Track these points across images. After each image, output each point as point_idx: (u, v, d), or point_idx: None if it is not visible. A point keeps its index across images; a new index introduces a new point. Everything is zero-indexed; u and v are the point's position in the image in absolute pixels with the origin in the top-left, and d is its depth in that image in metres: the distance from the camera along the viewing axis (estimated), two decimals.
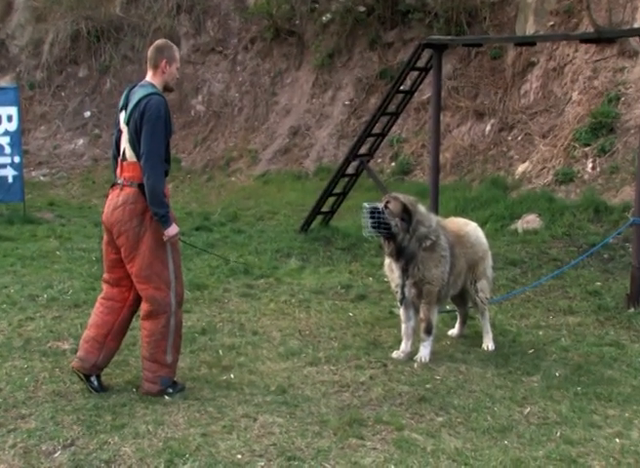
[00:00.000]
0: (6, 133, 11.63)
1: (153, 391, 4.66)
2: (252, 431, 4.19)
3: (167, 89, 4.68)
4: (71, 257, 8.79)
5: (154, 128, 4.38)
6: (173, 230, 4.53)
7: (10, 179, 11.65)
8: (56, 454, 3.87)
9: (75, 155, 16.60)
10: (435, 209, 8.39)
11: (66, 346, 5.58)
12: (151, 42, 17.04)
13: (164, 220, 4.48)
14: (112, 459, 3.83)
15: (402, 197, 5.44)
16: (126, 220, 4.50)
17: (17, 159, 11.70)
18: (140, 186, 4.49)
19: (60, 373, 5.02)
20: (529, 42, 9.76)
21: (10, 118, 11.64)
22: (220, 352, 5.53)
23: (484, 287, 5.82)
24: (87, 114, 17.31)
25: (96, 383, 4.73)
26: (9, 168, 11.64)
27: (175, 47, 4.82)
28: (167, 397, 4.62)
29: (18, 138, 11.79)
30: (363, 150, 10.16)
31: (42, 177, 15.69)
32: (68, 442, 4.00)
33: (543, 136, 11.54)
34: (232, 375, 5.05)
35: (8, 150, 11.62)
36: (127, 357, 5.39)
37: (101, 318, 4.74)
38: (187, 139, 16.22)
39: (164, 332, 4.62)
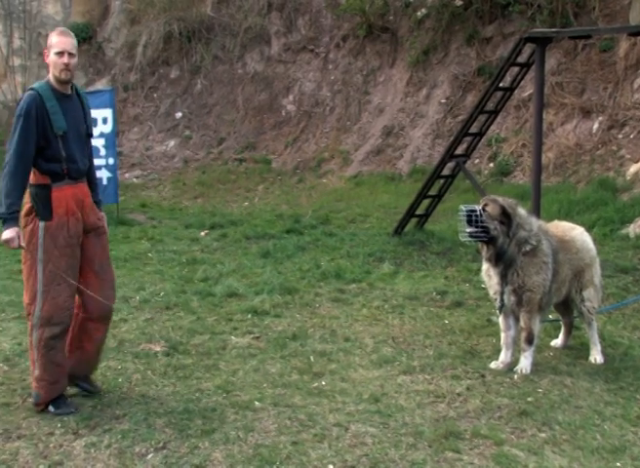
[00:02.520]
0: (101, 135, 12.15)
1: (34, 405, 4.57)
2: (344, 440, 4.20)
3: (59, 81, 4.49)
4: (162, 259, 9.08)
5: (15, 124, 4.36)
6: (4, 235, 4.31)
7: (104, 181, 12.15)
8: (148, 456, 4.00)
9: (167, 156, 17.14)
10: (537, 212, 8.17)
11: (158, 348, 5.76)
12: (242, 41, 17.37)
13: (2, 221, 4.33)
14: (203, 464, 3.92)
15: (501, 199, 5.34)
16: None
17: (111, 161, 12.20)
18: None
19: (152, 376, 5.18)
20: None
21: (105, 120, 12.16)
22: (312, 358, 5.57)
23: (591, 295, 5.62)
24: (178, 115, 17.84)
25: (86, 386, 4.81)
26: (104, 170, 12.15)
27: (53, 32, 4.55)
28: (51, 410, 4.53)
29: (112, 140, 12.29)
30: (459, 150, 10.01)
31: (135, 179, 16.28)
32: (160, 445, 4.13)
33: None
34: (324, 382, 5.08)
35: (103, 152, 12.13)
36: (217, 361, 5.51)
37: None
38: (278, 140, 16.45)
39: (30, 343, 4.54)
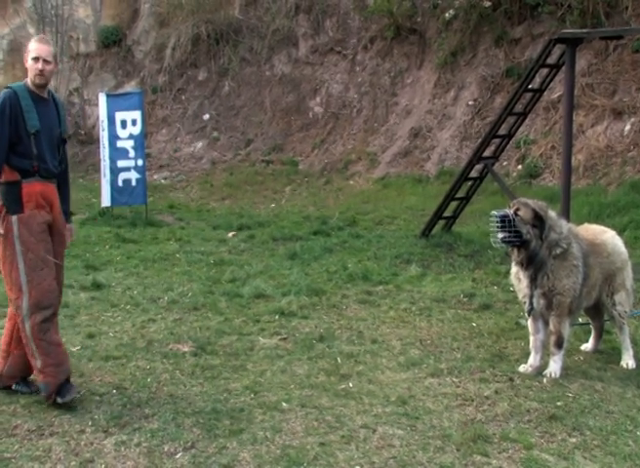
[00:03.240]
0: (130, 136, 12.30)
1: (45, 398, 4.67)
2: (371, 442, 4.20)
3: (34, 84, 4.67)
4: (190, 260, 9.15)
5: None
6: None
7: (133, 182, 12.31)
8: (177, 456, 4.03)
9: (194, 158, 17.26)
10: (567, 215, 8.10)
11: (186, 349, 5.80)
12: (270, 44, 17.44)
13: None
14: (231, 464, 3.95)
15: (532, 202, 5.31)
16: None
17: (140, 162, 12.34)
18: None
19: (180, 376, 5.23)
20: None
21: (134, 122, 12.30)
22: (339, 360, 5.57)
23: (622, 299, 5.56)
24: (206, 117, 17.97)
25: (22, 388, 4.83)
26: (133, 171, 12.30)
27: (33, 39, 4.81)
28: (59, 401, 4.58)
29: (141, 142, 12.44)
30: (487, 152, 9.96)
31: (163, 180, 16.42)
32: (189, 444, 4.16)
33: None
34: (351, 384, 5.08)
35: (132, 154, 12.28)
36: (245, 362, 5.54)
37: (5, 326, 4.89)
38: (305, 142, 16.49)
39: (25, 337, 4.62)
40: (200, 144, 17.54)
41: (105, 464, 3.94)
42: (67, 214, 4.95)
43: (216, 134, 17.57)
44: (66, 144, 4.98)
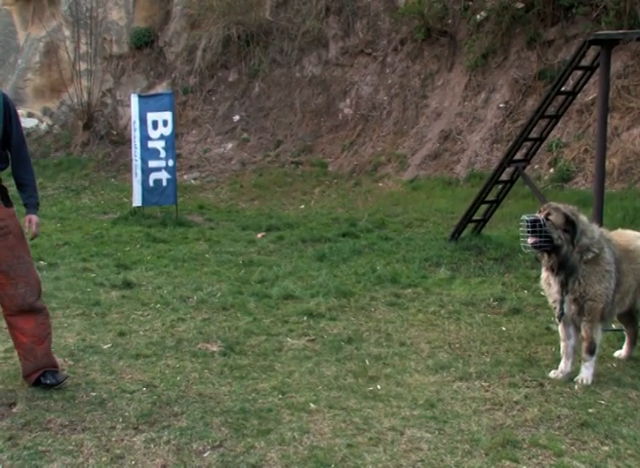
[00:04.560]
0: (161, 137, 12.42)
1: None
2: (399, 445, 4.19)
3: None
4: (219, 260, 9.21)
5: None
6: None
7: (164, 183, 12.41)
8: (205, 454, 4.06)
9: (224, 159, 17.36)
10: (599, 219, 7.99)
11: (215, 348, 5.85)
12: (300, 45, 17.51)
13: None
14: (259, 464, 3.97)
15: (562, 207, 5.25)
16: None
17: (170, 163, 12.45)
18: None
19: (208, 375, 5.26)
20: None
21: (165, 123, 12.42)
22: (367, 362, 5.57)
23: None
24: (236, 118, 18.06)
25: (49, 381, 4.92)
26: (163, 171, 12.41)
27: None
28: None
29: (172, 143, 12.54)
30: (519, 155, 9.88)
31: (193, 181, 16.55)
32: (217, 443, 4.19)
33: None
34: (379, 386, 5.08)
35: (163, 154, 12.39)
36: (273, 362, 5.56)
37: (19, 327, 5.02)
38: (334, 143, 16.50)
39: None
40: (230, 145, 17.64)
41: (135, 460, 3.98)
42: (30, 206, 5.03)
43: (245, 135, 17.66)
44: (13, 141, 4.92)
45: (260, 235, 11.09)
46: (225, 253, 9.69)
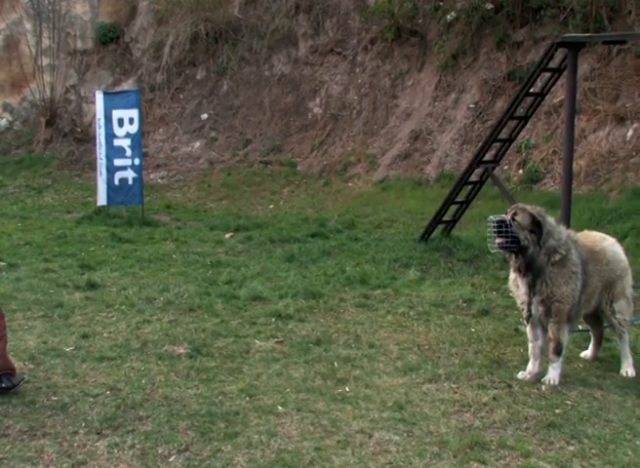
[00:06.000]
0: (127, 135, 12.30)
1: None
2: (367, 448, 4.21)
3: None
4: (187, 261, 9.16)
5: None
6: None
7: (130, 181, 12.30)
8: (171, 459, 4.04)
9: (192, 158, 17.25)
10: (567, 221, 8.11)
11: (181, 350, 5.82)
12: (269, 43, 17.49)
13: None
14: None
15: (529, 208, 5.33)
16: None
17: (137, 161, 12.35)
18: None
19: (175, 378, 5.24)
20: None
21: (131, 120, 12.31)
22: (335, 364, 5.59)
23: (622, 308, 5.57)
24: (204, 117, 17.96)
25: (4, 384, 4.85)
26: (129, 170, 12.30)
27: None
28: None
29: (138, 141, 12.44)
30: (488, 156, 9.98)
31: (160, 180, 16.42)
32: (183, 447, 4.17)
33: None
34: (347, 389, 5.10)
35: (129, 152, 12.28)
36: (240, 364, 5.56)
37: None
38: (304, 143, 16.49)
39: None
40: (198, 144, 17.53)
41: (98, 466, 3.95)
42: None
43: (214, 133, 17.57)
44: None
45: (228, 235, 11.05)
46: (193, 253, 9.64)
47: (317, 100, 17.03)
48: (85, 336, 6.13)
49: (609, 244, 5.70)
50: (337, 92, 16.81)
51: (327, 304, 7.30)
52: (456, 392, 5.06)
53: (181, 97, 18.42)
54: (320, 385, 5.16)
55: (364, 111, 16.17)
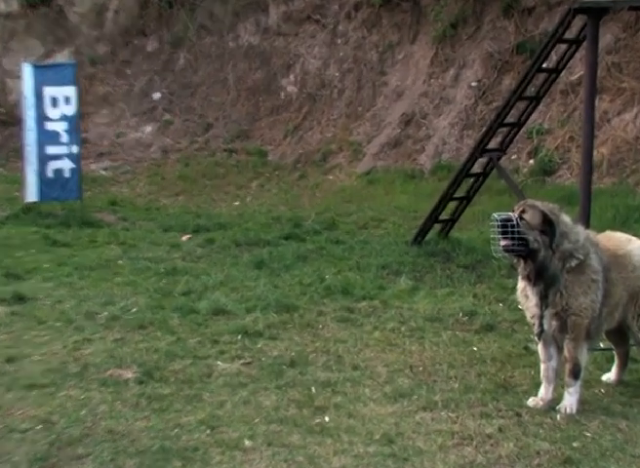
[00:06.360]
0: (63, 117, 12.23)
1: None
2: None
3: None
4: (136, 268, 9.13)
5: None
6: None
7: (66, 173, 12.24)
8: None
9: (142, 145, 17.22)
10: (586, 220, 8.20)
11: (129, 375, 5.80)
12: (234, 9, 17.45)
13: None
14: None
15: (540, 204, 5.34)
16: None
17: (74, 149, 12.28)
18: None
19: (121, 408, 5.22)
20: None
21: (67, 100, 12.24)
22: (313, 389, 5.60)
23: None
24: (156, 96, 17.93)
25: None
26: (66, 159, 12.23)
27: None
28: None
29: (76, 124, 12.36)
30: (493, 144, 10.05)
31: (103, 172, 16.36)
32: None
33: None
34: (327, 418, 5.11)
35: (65, 138, 12.21)
36: (200, 391, 5.55)
37: None
38: (276, 128, 16.51)
39: None
40: (149, 129, 17.50)
41: None
42: None
43: (168, 116, 17.54)
44: None
45: (185, 237, 11.04)
46: (143, 259, 9.61)
47: (291, 77, 17.06)
48: (10, 360, 6.07)
49: (636, 247, 5.73)
50: (314, 67, 16.85)
51: (303, 319, 7.31)
52: (455, 422, 5.09)
53: (129, 72, 18.37)
54: (295, 415, 5.16)
55: (347, 90, 16.23)
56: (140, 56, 18.40)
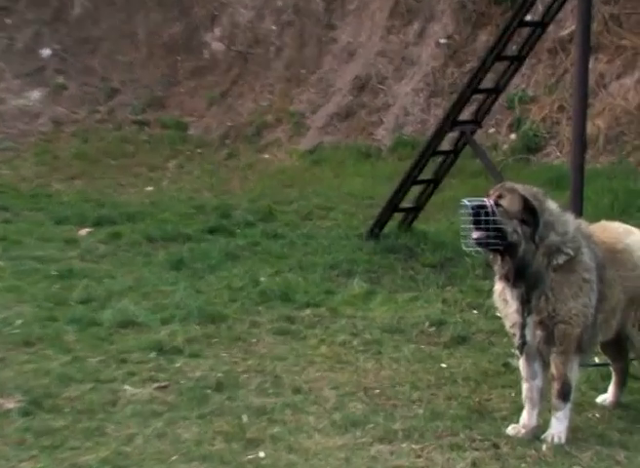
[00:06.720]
0: None
1: None
2: None
3: None
4: (20, 271, 9.03)
5: None
6: None
7: None
8: None
9: (27, 115, 17.00)
10: (579, 207, 8.32)
11: (11, 405, 5.73)
12: None
13: None
14: None
15: (521, 188, 5.37)
16: None
17: None
18: None
19: (1, 446, 5.17)
20: None
21: None
22: (245, 418, 5.60)
23: None
24: (46, 53, 17.72)
25: None
26: None
27: None
28: None
29: None
30: (466, 115, 10.14)
31: None
32: None
33: None
34: (262, 454, 5.12)
35: None
36: (103, 422, 5.51)
37: None
38: (198, 94, 16.45)
39: None
40: (36, 95, 17.29)
41: None
42: None
43: (61, 79, 17.35)
44: None
45: (83, 231, 10.95)
46: (30, 258, 9.51)
47: (217, 32, 17.01)
48: None
49: (636, 240, 5.83)
50: (245, 19, 16.82)
51: (232, 331, 7.32)
52: (419, 456, 5.13)
53: (9, 22, 18.12)
54: (222, 450, 5.16)
55: (286, 48, 16.23)
56: (23, 2, 18.17)
